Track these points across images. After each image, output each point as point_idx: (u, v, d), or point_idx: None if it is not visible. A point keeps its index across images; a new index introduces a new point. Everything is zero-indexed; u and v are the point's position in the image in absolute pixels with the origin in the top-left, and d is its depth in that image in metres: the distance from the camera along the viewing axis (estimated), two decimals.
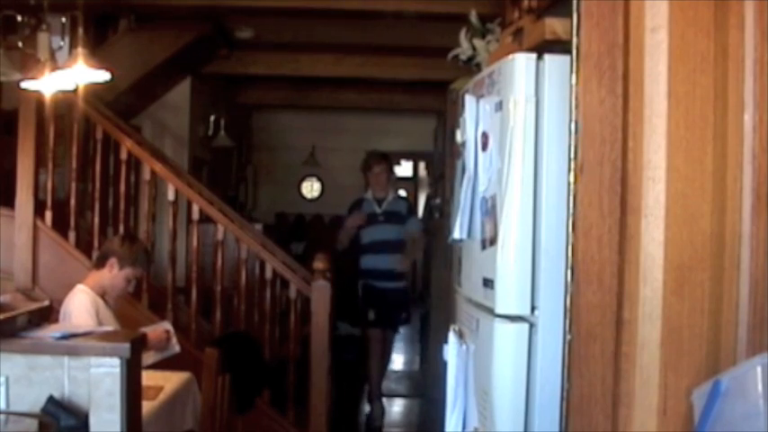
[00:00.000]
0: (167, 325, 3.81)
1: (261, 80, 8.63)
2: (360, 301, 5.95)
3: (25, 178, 4.73)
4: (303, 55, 7.35)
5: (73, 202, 4.89)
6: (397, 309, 6.05)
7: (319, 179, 11.27)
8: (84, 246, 4.87)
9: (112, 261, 3.57)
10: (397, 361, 8.36)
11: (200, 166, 7.84)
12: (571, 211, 1.94)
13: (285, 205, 11.00)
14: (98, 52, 4.80)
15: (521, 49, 2.39)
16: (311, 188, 11.35)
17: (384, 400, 6.13)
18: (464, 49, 3.47)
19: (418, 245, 6.12)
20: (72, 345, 2.26)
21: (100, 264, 3.61)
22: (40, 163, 4.80)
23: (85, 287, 3.55)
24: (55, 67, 3.63)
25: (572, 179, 1.92)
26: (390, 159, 6.10)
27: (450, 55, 3.55)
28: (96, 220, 4.97)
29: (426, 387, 6.42)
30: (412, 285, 7.52)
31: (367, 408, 6.06)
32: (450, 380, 2.54)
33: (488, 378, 2.27)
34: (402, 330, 7.06)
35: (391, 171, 6.10)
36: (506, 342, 2.22)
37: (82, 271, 3.99)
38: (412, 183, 12.69)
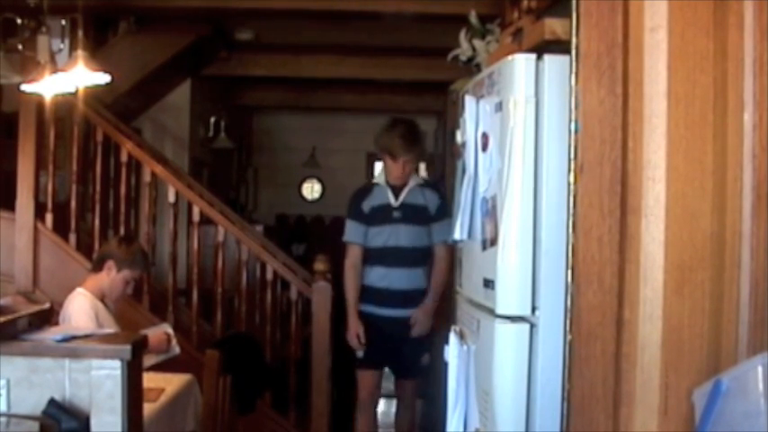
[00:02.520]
0: (168, 327, 3.81)
1: (261, 82, 8.64)
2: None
3: (26, 181, 4.73)
4: (303, 56, 7.36)
5: (73, 204, 4.90)
6: (414, 347, 4.11)
7: (320, 180, 11.27)
8: (84, 248, 4.87)
9: (110, 264, 3.56)
10: None
11: (200, 167, 7.84)
12: (571, 211, 1.94)
13: (286, 207, 11.00)
14: (98, 54, 4.82)
15: (520, 49, 2.39)
16: (312, 189, 11.35)
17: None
18: (464, 50, 3.47)
19: (443, 270, 4.07)
20: (73, 347, 2.26)
21: (98, 267, 3.61)
22: (40, 165, 4.80)
23: (84, 290, 3.55)
24: (55, 70, 3.63)
25: (572, 179, 1.92)
26: (423, 140, 4.19)
27: (450, 55, 3.56)
28: (97, 222, 4.98)
29: (427, 388, 6.41)
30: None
31: None
32: (451, 380, 2.54)
33: (489, 378, 2.27)
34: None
35: (423, 154, 4.22)
36: (507, 342, 2.22)
37: (82, 273, 4.00)
38: None
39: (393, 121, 4.13)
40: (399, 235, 4.06)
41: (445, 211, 4.03)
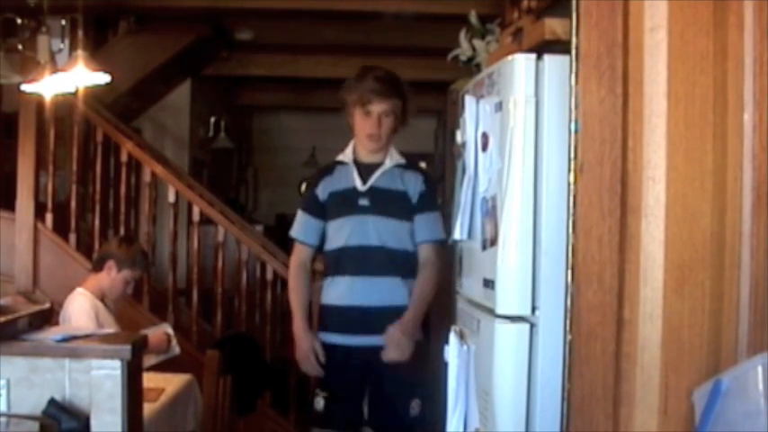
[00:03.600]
0: (168, 327, 3.81)
1: (261, 81, 8.64)
2: (315, 377, 3.10)
3: (26, 181, 4.74)
4: (303, 56, 7.36)
5: (73, 204, 4.90)
6: (398, 389, 2.98)
7: None
8: (84, 248, 4.87)
9: (110, 264, 3.57)
10: None
11: (200, 167, 7.85)
12: (571, 211, 1.94)
13: (286, 206, 10.98)
14: (98, 54, 4.83)
15: (520, 49, 2.38)
16: None
17: None
18: (464, 50, 3.47)
19: (430, 275, 3.03)
20: (73, 347, 2.26)
21: (98, 267, 3.61)
22: (40, 165, 4.81)
23: (84, 290, 3.55)
24: (55, 70, 3.64)
25: (572, 179, 1.92)
26: (407, 93, 3.08)
27: (450, 55, 3.56)
28: (97, 222, 4.98)
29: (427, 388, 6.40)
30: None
31: None
32: (452, 380, 2.54)
33: (489, 378, 2.27)
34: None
35: (405, 117, 3.09)
36: (507, 342, 2.22)
37: (82, 273, 4.00)
38: None
39: (366, 67, 3.11)
40: (367, 230, 2.96)
41: (431, 199, 3.07)
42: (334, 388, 3.02)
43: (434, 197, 3.16)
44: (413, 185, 3.03)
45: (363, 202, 2.99)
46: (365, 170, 3.04)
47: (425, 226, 3.03)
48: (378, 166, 3.03)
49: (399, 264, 3.01)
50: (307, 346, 3.05)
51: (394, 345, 2.91)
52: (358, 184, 3.02)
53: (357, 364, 3.00)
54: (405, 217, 3.01)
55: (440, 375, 2.71)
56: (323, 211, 3.07)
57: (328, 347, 3.04)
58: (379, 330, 2.95)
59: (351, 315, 3.00)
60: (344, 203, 3.02)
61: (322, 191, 3.07)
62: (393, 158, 3.06)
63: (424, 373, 3.05)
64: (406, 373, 2.95)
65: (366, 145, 3.03)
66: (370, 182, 3.02)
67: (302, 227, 3.15)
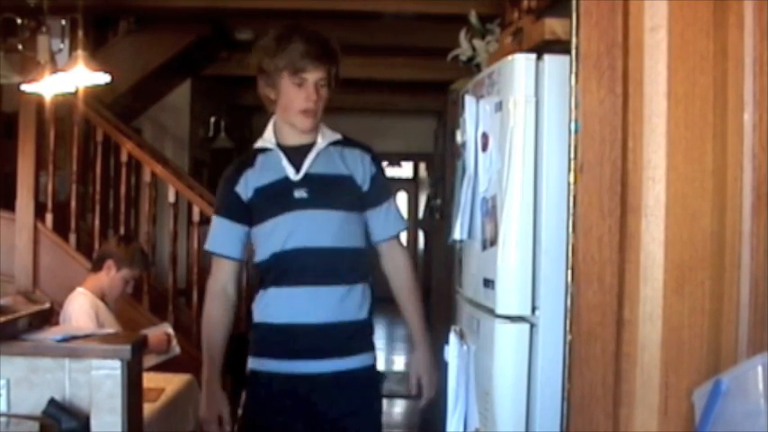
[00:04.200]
0: (168, 327, 3.81)
1: None
2: (245, 411, 2.55)
3: (26, 181, 4.74)
4: None
5: (73, 204, 4.90)
6: (356, 426, 2.46)
7: None
8: (84, 248, 4.87)
9: (109, 263, 3.57)
10: (398, 362, 8.36)
11: (200, 167, 7.85)
12: (571, 211, 1.94)
13: None
14: (98, 54, 4.83)
15: (520, 49, 2.39)
16: None
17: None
18: (464, 50, 3.47)
19: (411, 281, 2.57)
20: (73, 347, 2.26)
21: (97, 266, 3.62)
22: (40, 165, 4.81)
23: (84, 290, 3.56)
24: (55, 70, 3.64)
25: (572, 179, 1.92)
26: (337, 52, 2.54)
27: (451, 55, 3.56)
28: (97, 222, 4.99)
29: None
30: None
31: None
32: (451, 381, 2.54)
33: (489, 378, 2.27)
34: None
35: (337, 77, 2.52)
36: (507, 342, 2.22)
37: (82, 273, 4.00)
38: (412, 184, 12.73)
39: (290, 25, 2.59)
40: (308, 228, 2.39)
41: (385, 184, 2.57)
42: (272, 429, 2.42)
43: (386, 178, 2.62)
44: (360, 167, 2.48)
45: (300, 193, 2.41)
46: (295, 155, 2.43)
47: (387, 220, 2.54)
48: (309, 147, 2.44)
49: (350, 265, 2.44)
50: (213, 409, 2.46)
51: (427, 383, 2.51)
52: (290, 172, 2.42)
53: (303, 396, 2.40)
54: (353, 207, 2.45)
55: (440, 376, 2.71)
56: (248, 214, 2.48)
57: (263, 377, 2.45)
58: (328, 353, 2.40)
59: (293, 336, 2.42)
60: (276, 199, 2.42)
61: (244, 188, 2.45)
62: (326, 136, 2.48)
63: (379, 405, 2.59)
64: (366, 409, 2.51)
65: (300, 123, 2.42)
66: (305, 168, 2.42)
67: (221, 236, 2.56)
